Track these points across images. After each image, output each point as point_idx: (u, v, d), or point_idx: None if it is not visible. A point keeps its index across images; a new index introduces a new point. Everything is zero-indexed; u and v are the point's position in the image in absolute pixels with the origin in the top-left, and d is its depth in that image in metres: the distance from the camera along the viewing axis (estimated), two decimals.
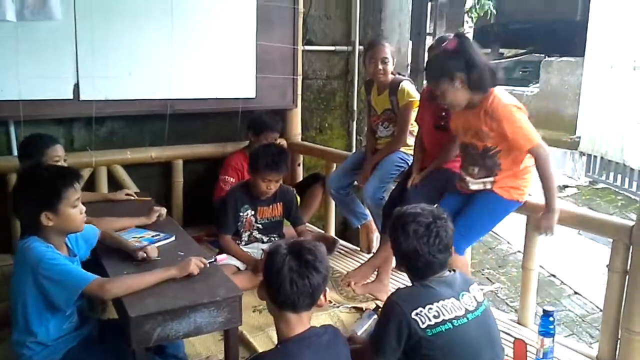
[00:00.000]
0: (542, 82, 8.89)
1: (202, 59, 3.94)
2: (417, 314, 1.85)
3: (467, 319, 1.91)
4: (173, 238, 2.74)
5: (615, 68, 7.48)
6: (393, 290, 3.08)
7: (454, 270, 2.05)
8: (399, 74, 3.46)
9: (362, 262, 3.67)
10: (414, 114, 3.32)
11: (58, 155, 2.96)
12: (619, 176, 7.57)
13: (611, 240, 2.52)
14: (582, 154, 8.06)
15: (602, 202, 6.97)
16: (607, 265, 2.54)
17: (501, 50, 11.66)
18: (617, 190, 7.43)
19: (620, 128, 7.46)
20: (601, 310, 4.47)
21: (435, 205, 2.20)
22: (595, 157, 7.91)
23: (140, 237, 2.74)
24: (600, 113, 7.78)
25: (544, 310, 2.47)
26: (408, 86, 3.36)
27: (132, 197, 3.38)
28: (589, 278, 4.95)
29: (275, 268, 1.67)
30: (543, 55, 9.37)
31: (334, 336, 1.77)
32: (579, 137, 8.16)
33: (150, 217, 2.94)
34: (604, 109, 7.70)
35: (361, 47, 4.69)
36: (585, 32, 8.12)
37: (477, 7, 4.39)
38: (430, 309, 1.86)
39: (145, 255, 2.45)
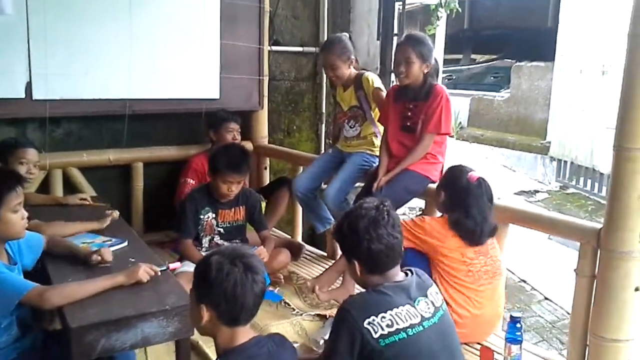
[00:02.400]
0: (512, 87, 8.94)
1: (163, 58, 3.80)
2: (369, 323, 1.73)
3: (423, 326, 1.80)
4: (125, 243, 2.60)
5: (585, 73, 7.51)
6: None
7: (410, 272, 1.95)
8: (363, 69, 3.37)
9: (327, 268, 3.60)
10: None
11: (26, 158, 2.88)
12: (589, 181, 7.60)
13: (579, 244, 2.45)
14: (552, 158, 8.08)
15: (573, 207, 6.99)
16: (575, 270, 2.47)
17: (473, 56, 11.74)
18: (587, 195, 7.45)
19: (590, 133, 7.48)
20: None
21: None
22: (565, 162, 7.92)
23: (91, 242, 2.59)
24: (570, 118, 7.81)
25: (511, 317, 2.40)
26: (371, 75, 3.31)
27: (87, 203, 3.22)
28: (560, 283, 4.90)
29: (218, 279, 1.55)
30: (514, 60, 9.42)
31: (279, 344, 1.66)
32: (549, 142, 8.18)
33: (102, 221, 2.80)
34: (574, 114, 7.74)
35: None
36: (556, 38, 8.18)
37: (443, 5, 4.34)
38: (384, 317, 1.75)
39: (99, 258, 2.31)
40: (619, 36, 6.99)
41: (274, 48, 4.48)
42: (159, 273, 2.21)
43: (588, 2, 7.51)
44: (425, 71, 2.91)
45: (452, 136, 3.03)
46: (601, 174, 7.35)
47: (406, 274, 1.94)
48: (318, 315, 2.85)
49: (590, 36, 7.42)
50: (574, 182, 7.69)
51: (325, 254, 3.84)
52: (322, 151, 4.76)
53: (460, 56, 11.41)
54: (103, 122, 3.85)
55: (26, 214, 2.10)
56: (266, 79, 4.31)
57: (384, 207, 1.92)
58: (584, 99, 7.56)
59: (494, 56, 11.07)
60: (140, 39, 3.68)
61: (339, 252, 3.65)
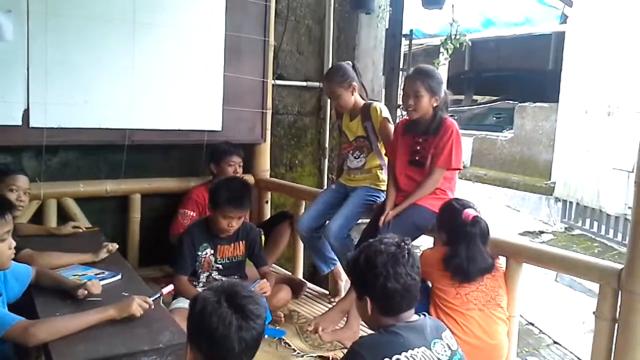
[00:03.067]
0: (516, 127, 8.90)
1: (165, 88, 3.73)
2: None
3: None
4: (119, 277, 2.48)
5: (590, 113, 7.48)
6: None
7: (424, 315, 1.82)
8: (372, 100, 3.30)
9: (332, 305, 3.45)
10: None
11: (16, 185, 2.80)
12: (595, 223, 7.48)
13: (588, 287, 2.33)
14: (557, 199, 7.98)
15: (579, 249, 6.83)
16: (594, 313, 2.33)
17: (474, 97, 11.77)
18: (593, 237, 7.32)
19: (596, 173, 7.40)
20: None
21: None
22: (570, 202, 7.82)
23: (83, 274, 2.47)
24: (575, 158, 7.74)
25: None
26: (380, 105, 3.24)
27: (80, 230, 3.10)
28: (568, 327, 4.75)
29: (200, 317, 1.43)
30: (516, 102, 9.42)
31: None
32: (554, 183, 8.10)
33: (98, 254, 2.68)
34: (579, 155, 7.67)
35: None
36: (558, 81, 8.20)
37: (453, 40, 4.32)
38: (398, 359, 1.63)
39: (86, 292, 2.19)
40: (624, 77, 7.03)
41: (278, 82, 4.44)
42: (152, 306, 2.08)
43: (592, 44, 7.54)
44: (435, 104, 2.83)
45: (461, 170, 2.93)
46: (608, 215, 7.24)
47: (419, 315, 1.83)
48: (320, 357, 2.70)
49: (595, 77, 7.43)
50: (579, 224, 7.56)
51: (327, 292, 3.69)
52: (325, 186, 4.66)
53: (462, 97, 11.45)
54: (101, 152, 3.75)
55: (14, 244, 2.00)
56: (269, 112, 4.24)
57: (405, 245, 1.81)
58: (589, 140, 7.51)
59: (495, 97, 11.12)
60: (142, 68, 3.62)
61: (343, 291, 3.52)
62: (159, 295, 2.22)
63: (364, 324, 2.98)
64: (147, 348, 1.85)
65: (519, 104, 9.02)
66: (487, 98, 11.46)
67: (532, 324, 4.67)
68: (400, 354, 1.64)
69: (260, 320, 1.47)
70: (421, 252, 2.61)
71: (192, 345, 1.48)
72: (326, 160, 4.74)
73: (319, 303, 3.51)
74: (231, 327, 1.41)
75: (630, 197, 6.75)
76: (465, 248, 2.48)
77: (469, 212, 2.53)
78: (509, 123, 9.54)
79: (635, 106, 6.76)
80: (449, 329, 2.33)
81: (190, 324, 1.50)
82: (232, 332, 1.41)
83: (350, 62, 3.34)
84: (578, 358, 4.22)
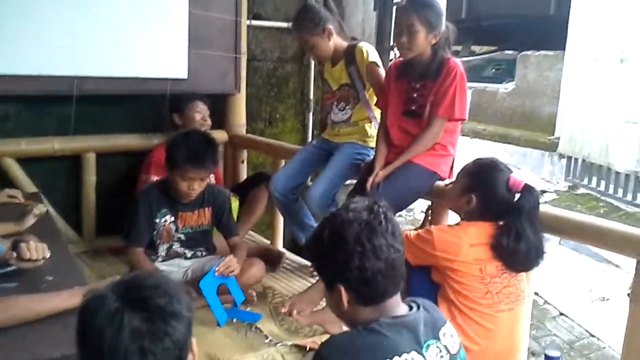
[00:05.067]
0: (518, 78, 8.37)
1: (120, 27, 3.17)
2: None
3: None
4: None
5: (601, 61, 6.93)
6: None
7: (416, 305, 1.38)
8: (353, 38, 2.79)
9: (316, 279, 3.01)
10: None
11: None
12: (603, 181, 7.03)
13: (595, 250, 1.90)
14: (561, 155, 7.52)
15: (583, 209, 6.41)
16: (628, 294, 1.91)
17: (473, 48, 11.21)
18: (599, 196, 6.91)
19: (605, 127, 6.91)
20: (592, 336, 3.98)
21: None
22: (576, 159, 7.35)
23: None
24: (583, 111, 7.22)
25: (547, 356, 1.84)
26: (367, 46, 2.73)
27: (16, 201, 2.62)
28: (575, 297, 4.37)
29: (95, 333, 0.95)
30: (517, 52, 8.89)
31: None
32: (558, 138, 7.61)
33: (22, 221, 2.20)
34: (587, 107, 7.16)
35: None
36: (560, 28, 7.67)
37: None
38: None
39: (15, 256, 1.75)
40: (638, 22, 6.49)
41: (254, 22, 3.88)
42: None
43: None
44: (434, 42, 2.34)
45: (466, 120, 2.43)
46: (617, 172, 6.79)
47: (410, 307, 1.39)
48: (296, 345, 2.26)
49: (607, 22, 6.87)
50: (585, 182, 7.12)
51: (309, 264, 3.24)
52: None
53: (459, 47, 10.89)
54: (46, 104, 3.23)
55: None
56: (244, 58, 3.71)
57: (380, 208, 1.37)
58: (599, 90, 6.97)
59: (493, 48, 10.58)
60: (90, 4, 3.07)
61: None
62: None
63: None
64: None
65: (522, 53, 8.47)
66: (485, 48, 10.91)
67: (536, 294, 4.28)
68: None
69: (178, 322, 0.99)
70: (430, 229, 2.07)
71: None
72: (310, 113, 4.24)
73: (299, 277, 3.06)
74: (122, 331, 0.94)
75: None
76: (521, 227, 1.94)
77: (517, 178, 2.02)
78: (508, 75, 9.03)
79: None
80: (469, 335, 1.91)
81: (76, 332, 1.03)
82: (123, 341, 0.93)
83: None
84: (587, 331, 3.84)
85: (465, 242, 1.95)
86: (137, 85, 3.31)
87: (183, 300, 1.01)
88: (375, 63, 2.68)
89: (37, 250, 1.75)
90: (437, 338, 1.35)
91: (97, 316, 0.95)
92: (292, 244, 3.70)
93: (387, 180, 2.36)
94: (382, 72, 2.68)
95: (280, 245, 3.57)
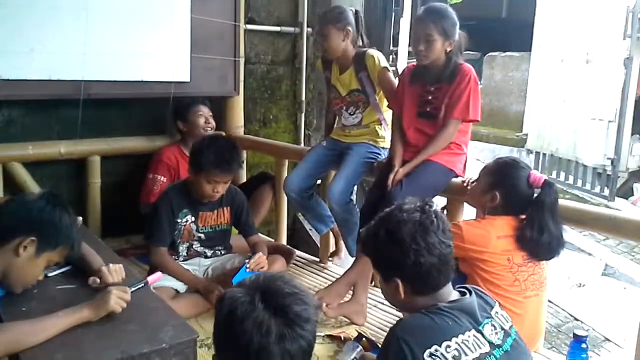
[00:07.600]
0: (485, 78, 8.67)
1: (126, 32, 3.21)
2: (431, 355, 1.37)
3: (495, 357, 1.45)
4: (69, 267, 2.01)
5: (566, 62, 7.30)
6: (371, 311, 2.61)
7: (468, 291, 1.55)
8: (362, 46, 2.91)
9: (326, 274, 3.16)
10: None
11: None
12: (570, 175, 7.40)
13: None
14: (529, 151, 7.88)
15: None
16: None
17: None
18: (566, 189, 7.25)
19: (573, 124, 7.27)
20: (576, 319, 4.24)
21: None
22: (544, 154, 7.72)
23: None
24: (550, 109, 7.58)
25: (575, 335, 2.01)
26: (376, 53, 2.84)
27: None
28: (555, 283, 4.62)
29: (245, 336, 1.08)
30: (478, 53, 9.18)
31: None
32: (526, 135, 7.96)
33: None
34: (554, 105, 7.51)
35: (310, 29, 4.16)
36: (513, 29, 7.98)
37: None
38: (449, 347, 1.39)
39: (98, 281, 1.83)
40: (603, 24, 6.81)
41: (249, 27, 3.96)
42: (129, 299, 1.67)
43: None
44: (449, 49, 2.49)
45: (479, 121, 2.60)
46: (584, 166, 7.17)
47: (462, 293, 1.55)
48: (329, 336, 2.38)
49: (572, 24, 7.22)
50: (553, 175, 7.46)
51: (317, 259, 3.36)
52: (302, 143, 4.30)
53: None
54: (53, 108, 3.24)
55: None
56: (242, 61, 3.79)
57: (430, 207, 1.52)
58: (565, 89, 7.34)
59: None
60: (99, 9, 3.10)
61: (338, 258, 3.23)
62: (142, 284, 1.83)
63: (371, 295, 2.70)
64: (147, 350, 1.48)
65: (488, 54, 8.78)
66: None
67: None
68: (450, 339, 1.40)
69: (310, 325, 1.13)
70: (459, 223, 2.23)
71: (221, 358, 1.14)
72: (302, 114, 4.34)
73: (310, 272, 3.18)
74: (270, 336, 1.07)
75: (610, 147, 6.78)
76: (543, 220, 2.11)
77: (537, 175, 2.19)
78: None
79: (616, 52, 6.57)
80: None
81: (216, 332, 1.15)
82: (271, 343, 1.07)
83: (354, 9, 2.93)
84: (571, 315, 4.10)
85: (493, 234, 2.12)
86: (141, 88, 3.35)
87: (312, 304, 1.16)
88: (386, 68, 2.81)
89: (117, 273, 1.84)
90: (490, 317, 1.51)
91: (245, 322, 1.08)
92: (290, 240, 3.82)
93: (408, 178, 2.49)
94: (392, 75, 2.81)
95: (284, 242, 3.65)
